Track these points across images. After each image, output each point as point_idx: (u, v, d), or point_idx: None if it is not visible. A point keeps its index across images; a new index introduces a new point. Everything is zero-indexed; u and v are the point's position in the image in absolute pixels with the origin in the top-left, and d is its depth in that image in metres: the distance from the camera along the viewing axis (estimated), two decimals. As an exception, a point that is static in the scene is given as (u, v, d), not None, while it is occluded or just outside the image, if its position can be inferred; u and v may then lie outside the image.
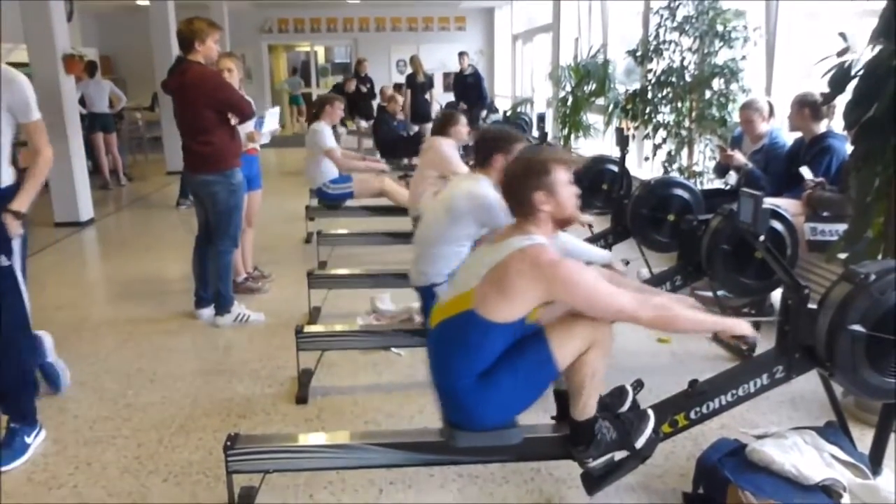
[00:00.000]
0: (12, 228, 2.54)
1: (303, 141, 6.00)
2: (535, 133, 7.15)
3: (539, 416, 2.61)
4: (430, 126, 10.32)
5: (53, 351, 3.12)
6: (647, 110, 5.56)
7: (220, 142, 3.78)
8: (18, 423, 2.66)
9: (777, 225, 3.19)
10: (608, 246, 4.21)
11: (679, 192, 3.96)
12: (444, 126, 4.57)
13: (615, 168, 4.83)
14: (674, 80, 5.29)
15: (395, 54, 14.68)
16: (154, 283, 4.87)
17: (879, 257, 2.58)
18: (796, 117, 3.81)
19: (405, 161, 8.43)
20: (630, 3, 6.98)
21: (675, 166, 5.41)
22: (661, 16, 5.32)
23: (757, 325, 3.37)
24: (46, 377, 3.09)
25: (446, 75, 13.72)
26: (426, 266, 3.11)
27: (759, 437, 2.18)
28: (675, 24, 5.23)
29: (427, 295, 3.13)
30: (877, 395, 2.11)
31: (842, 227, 3.18)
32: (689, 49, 5.21)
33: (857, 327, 1.98)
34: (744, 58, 4.93)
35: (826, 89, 2.67)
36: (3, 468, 2.55)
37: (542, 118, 6.72)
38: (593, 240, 4.12)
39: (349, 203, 5.82)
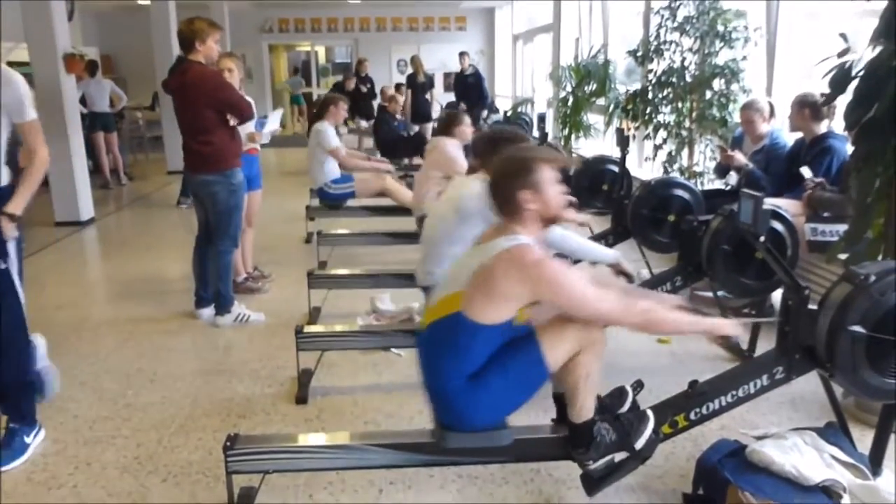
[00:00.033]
0: (7, 231, 2.52)
1: (303, 141, 6.00)
2: (536, 133, 7.14)
3: (539, 417, 2.61)
4: (430, 126, 10.34)
5: (46, 356, 2.99)
6: (648, 110, 5.55)
7: (221, 142, 3.77)
8: (18, 423, 2.65)
9: (777, 225, 3.19)
10: (609, 246, 4.21)
11: (679, 192, 3.95)
12: (448, 126, 4.59)
13: (616, 168, 4.83)
14: (674, 80, 5.28)
15: (396, 54, 14.68)
16: (154, 283, 4.87)
17: (880, 258, 2.58)
18: (797, 118, 3.81)
19: (405, 161, 8.43)
20: (631, 4, 6.98)
21: (675, 167, 5.41)
22: (662, 16, 5.31)
23: (757, 326, 3.39)
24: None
25: (447, 75, 13.72)
26: (433, 266, 3.11)
27: (759, 438, 2.17)
28: (675, 25, 5.22)
29: None
30: (877, 396, 2.12)
31: (842, 227, 3.18)
32: (690, 49, 5.20)
33: (857, 328, 1.99)
34: (744, 58, 4.92)
35: (826, 90, 2.67)
36: (3, 468, 2.55)
37: (542, 118, 6.72)
38: (593, 240, 4.11)
39: (349, 203, 5.82)
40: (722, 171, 4.41)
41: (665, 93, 5.40)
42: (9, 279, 2.55)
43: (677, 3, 5.20)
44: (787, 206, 3.42)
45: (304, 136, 11.09)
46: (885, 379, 2.03)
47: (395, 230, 5.03)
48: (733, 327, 2.08)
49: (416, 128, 10.13)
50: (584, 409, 2.06)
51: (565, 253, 3.44)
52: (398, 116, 9.35)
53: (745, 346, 3.42)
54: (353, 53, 15.03)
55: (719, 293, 3.58)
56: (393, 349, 3.51)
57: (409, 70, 10.57)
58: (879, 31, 2.48)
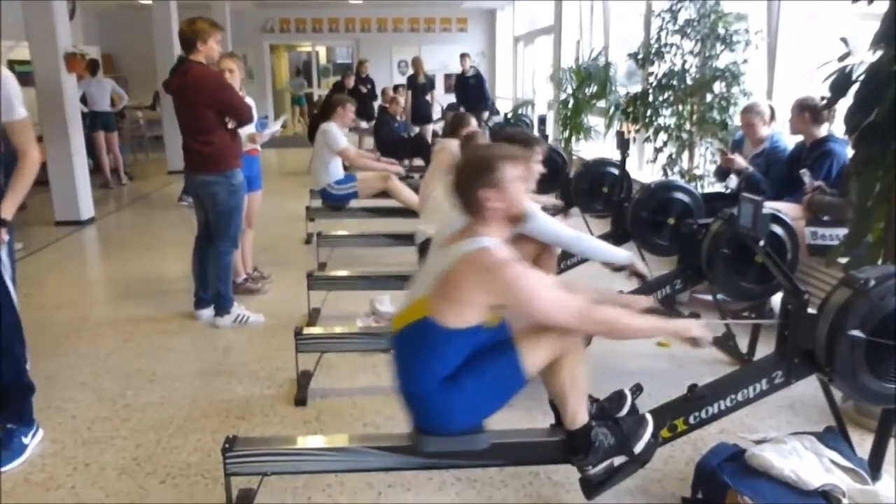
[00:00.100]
0: None
1: (304, 141, 5.99)
2: (536, 135, 7.14)
3: (539, 419, 2.62)
4: (430, 128, 10.35)
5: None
6: (648, 113, 5.55)
7: (221, 142, 3.77)
8: (16, 424, 2.65)
9: (777, 229, 3.19)
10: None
11: (679, 195, 3.95)
12: (455, 128, 4.64)
13: (616, 171, 4.83)
14: (675, 83, 5.28)
15: (397, 55, 14.69)
16: (154, 283, 4.87)
17: (879, 262, 2.58)
18: (797, 121, 3.81)
19: (405, 162, 8.43)
20: (631, 6, 6.98)
21: (675, 170, 5.41)
22: (663, 19, 5.32)
23: (757, 330, 3.39)
24: None
25: (447, 76, 13.72)
26: None
27: (759, 442, 2.17)
28: (676, 27, 5.22)
29: None
30: (876, 401, 2.12)
31: (842, 231, 3.18)
32: (691, 52, 5.21)
33: (856, 332, 1.98)
34: (745, 61, 4.92)
35: (827, 93, 2.66)
36: (2, 469, 2.54)
37: (542, 120, 6.72)
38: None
39: (350, 203, 5.80)
40: (722, 174, 4.41)
41: (666, 95, 5.40)
42: (3, 284, 2.53)
43: (678, 5, 5.20)
44: (787, 209, 3.42)
45: (304, 136, 11.15)
46: (884, 383, 2.03)
47: (395, 231, 5.03)
48: (700, 329, 2.06)
49: (417, 129, 10.13)
50: (577, 416, 2.06)
51: (577, 253, 3.45)
52: (398, 118, 9.35)
53: (716, 340, 3.43)
54: (353, 54, 15.03)
55: (719, 297, 3.58)
56: (392, 351, 3.50)
57: (410, 71, 10.56)
58: (880, 35, 2.48)
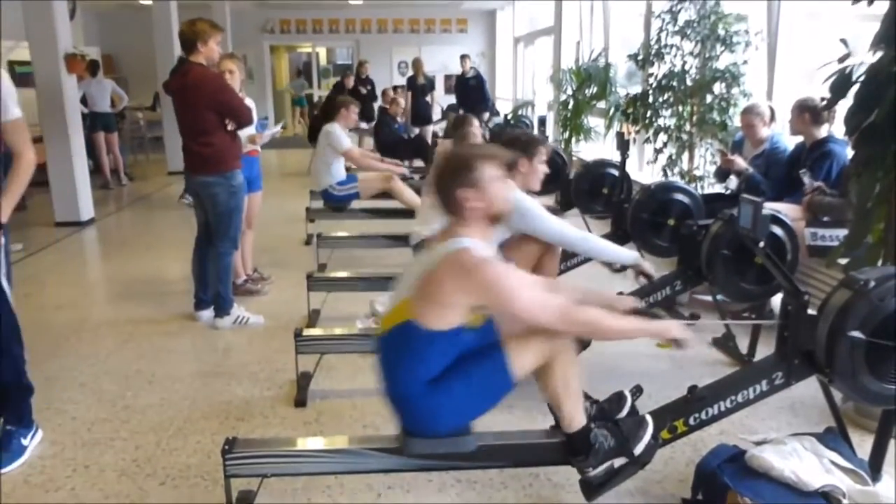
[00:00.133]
0: None
1: (303, 142, 6.00)
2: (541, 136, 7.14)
3: (539, 420, 2.62)
4: (430, 129, 10.34)
5: None
6: (648, 114, 5.55)
7: (221, 143, 3.77)
8: (15, 426, 2.65)
9: (777, 230, 3.19)
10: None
11: (679, 196, 3.95)
12: (458, 130, 4.64)
13: (616, 172, 4.83)
14: (675, 84, 5.28)
15: (397, 56, 14.68)
16: (154, 284, 4.87)
17: (879, 263, 2.58)
18: (797, 122, 3.81)
19: (406, 163, 8.42)
20: (632, 7, 6.98)
21: (675, 170, 5.41)
22: (663, 20, 5.31)
23: (757, 331, 3.39)
24: None
25: (447, 77, 13.72)
26: None
27: (759, 443, 2.17)
28: (676, 28, 5.22)
29: None
30: (876, 401, 2.12)
31: (842, 232, 3.18)
32: (691, 53, 5.20)
33: (856, 333, 1.98)
34: (745, 62, 4.92)
35: (827, 94, 2.66)
36: (1, 471, 2.54)
37: (542, 121, 6.73)
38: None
39: (351, 205, 5.80)
40: (722, 175, 4.41)
41: (665, 96, 5.40)
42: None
43: (678, 6, 5.20)
44: (787, 210, 3.42)
45: (305, 137, 11.15)
46: (884, 384, 2.03)
47: (395, 233, 5.02)
48: (681, 331, 2.06)
49: (417, 130, 10.13)
50: (574, 419, 2.05)
51: (583, 254, 3.45)
52: (399, 119, 9.35)
53: (717, 341, 3.43)
54: (354, 55, 15.03)
55: (719, 297, 3.58)
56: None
57: (410, 72, 10.56)
58: (880, 36, 2.48)
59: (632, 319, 2.13)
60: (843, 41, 2.64)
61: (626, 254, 3.22)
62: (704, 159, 5.29)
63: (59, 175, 6.64)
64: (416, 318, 1.91)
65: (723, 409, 2.21)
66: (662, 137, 5.48)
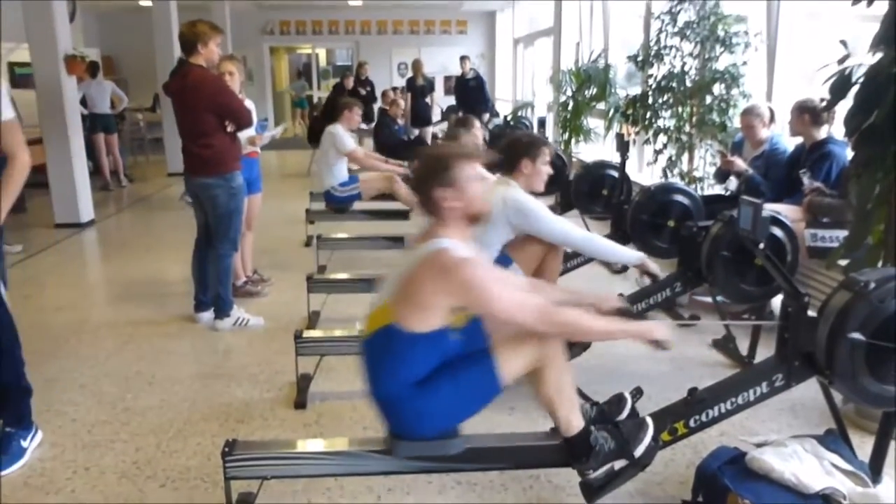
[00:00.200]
0: None
1: (303, 144, 5.99)
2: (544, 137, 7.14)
3: (539, 422, 2.61)
4: (430, 130, 10.34)
5: None
6: (648, 115, 5.55)
7: (221, 145, 3.77)
8: (14, 427, 2.65)
9: (777, 231, 3.19)
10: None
11: (679, 197, 3.95)
12: (458, 130, 4.66)
13: (615, 173, 4.84)
14: (674, 85, 5.29)
15: (397, 57, 14.69)
16: (154, 286, 4.87)
17: (880, 264, 2.58)
18: (796, 123, 3.81)
19: (406, 164, 8.42)
20: (631, 8, 6.98)
21: (675, 172, 5.41)
22: (663, 21, 5.32)
23: (757, 333, 3.39)
24: None
25: (447, 79, 13.73)
26: None
27: (759, 445, 2.17)
28: (676, 30, 5.23)
29: None
30: (877, 403, 2.11)
31: (842, 233, 3.18)
32: (690, 54, 5.21)
33: (856, 335, 1.98)
34: (745, 63, 4.92)
35: (827, 95, 2.66)
36: (1, 473, 2.54)
37: (542, 122, 6.74)
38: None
39: (352, 206, 5.79)
40: (722, 176, 4.42)
41: (665, 98, 5.40)
42: None
43: (678, 7, 5.20)
44: (787, 211, 3.42)
45: (304, 138, 11.15)
46: (884, 386, 2.03)
47: (395, 234, 5.02)
48: (662, 331, 2.05)
49: (416, 131, 10.13)
50: (571, 423, 2.04)
51: (587, 254, 3.45)
52: (399, 121, 9.35)
53: (717, 343, 3.42)
54: (353, 56, 15.04)
55: (719, 299, 3.58)
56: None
57: (410, 73, 10.57)
58: (880, 37, 2.48)
59: (612, 320, 2.13)
60: (843, 42, 2.64)
61: (631, 253, 3.22)
62: (704, 160, 5.29)
63: (59, 176, 6.64)
64: (398, 320, 1.89)
65: (723, 410, 2.21)
66: (662, 139, 5.48)
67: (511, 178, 3.09)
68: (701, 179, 5.24)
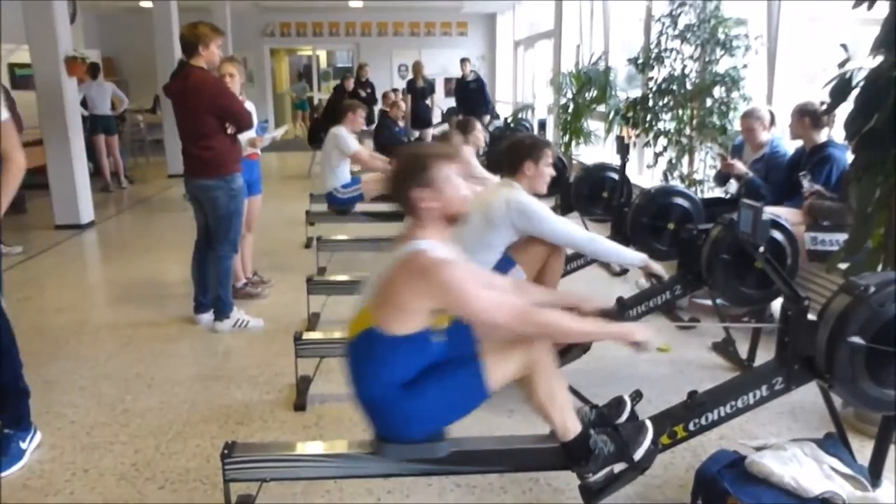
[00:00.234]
0: None
1: (304, 145, 6.00)
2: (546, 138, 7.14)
3: (539, 425, 2.61)
4: (430, 132, 10.34)
5: None
6: (648, 118, 5.56)
7: (221, 146, 3.77)
8: (13, 429, 2.65)
9: (777, 235, 3.18)
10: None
11: (679, 200, 3.95)
12: (462, 133, 4.72)
13: (616, 176, 4.84)
14: (675, 87, 5.29)
15: (397, 59, 14.70)
16: (154, 287, 4.87)
17: (879, 268, 2.58)
18: (797, 126, 3.81)
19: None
20: (632, 10, 6.99)
21: (675, 174, 5.41)
22: (663, 23, 5.32)
23: (757, 336, 3.39)
24: None
25: (448, 80, 13.74)
26: None
27: (759, 449, 2.17)
28: (676, 32, 5.23)
29: None
30: (876, 407, 2.11)
31: (842, 236, 3.18)
32: (691, 57, 5.21)
33: (856, 339, 1.98)
34: (745, 66, 4.93)
35: (827, 98, 2.67)
36: (1, 474, 2.54)
37: (543, 125, 6.74)
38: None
39: (355, 207, 5.79)
40: (722, 179, 4.42)
41: (665, 100, 5.41)
42: None
43: (678, 10, 5.21)
44: (787, 214, 3.42)
45: (305, 140, 11.15)
46: (884, 390, 2.03)
47: (395, 236, 5.01)
48: (643, 333, 2.04)
49: (417, 133, 10.13)
50: (567, 429, 2.04)
51: (591, 255, 3.46)
52: (399, 122, 9.35)
53: (716, 346, 3.42)
54: (354, 58, 15.05)
55: (718, 302, 3.58)
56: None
57: (410, 75, 10.58)
58: (880, 41, 2.48)
59: (593, 321, 2.13)
60: (844, 46, 2.64)
61: (634, 255, 3.22)
62: (704, 163, 5.29)
63: (59, 178, 6.64)
64: (379, 324, 1.88)
65: (723, 414, 2.21)
66: (662, 141, 5.48)
67: (514, 179, 3.10)
68: (701, 182, 5.25)
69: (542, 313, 1.94)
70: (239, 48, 12.28)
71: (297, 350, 3.11)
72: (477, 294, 1.86)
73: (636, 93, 6.19)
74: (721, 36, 4.99)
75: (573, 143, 7.77)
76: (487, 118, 10.21)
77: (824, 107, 2.80)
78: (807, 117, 3.72)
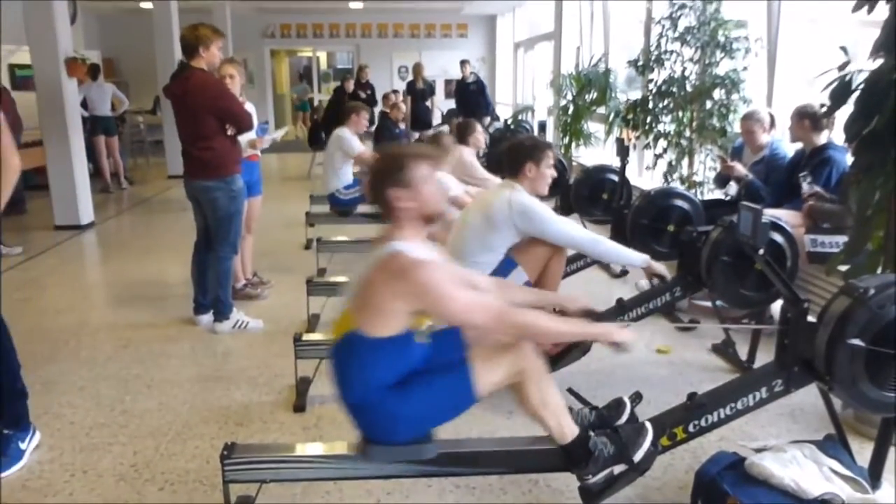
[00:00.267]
0: None
1: (304, 146, 6.00)
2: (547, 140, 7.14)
3: (538, 427, 2.60)
4: (430, 133, 10.34)
5: None
6: (648, 120, 5.56)
7: (221, 148, 3.78)
8: (12, 429, 2.64)
9: (777, 236, 3.19)
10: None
11: (679, 202, 3.95)
12: (462, 135, 4.77)
13: (615, 178, 4.84)
14: (675, 90, 5.30)
15: (397, 60, 14.71)
16: (154, 288, 4.86)
17: (879, 270, 2.58)
18: (797, 128, 3.81)
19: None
20: (632, 12, 7.00)
21: (675, 176, 5.41)
22: (663, 26, 5.33)
23: (756, 337, 3.39)
24: None
25: (448, 82, 13.75)
26: None
27: (758, 451, 2.16)
28: (676, 35, 5.24)
29: None
30: (876, 409, 2.11)
31: (842, 238, 3.18)
32: (691, 59, 5.22)
33: (856, 341, 1.98)
34: (745, 68, 4.93)
35: (827, 101, 2.67)
36: (0, 475, 2.53)
37: (542, 126, 6.74)
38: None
39: (357, 209, 5.79)
40: (722, 181, 4.42)
41: (665, 102, 5.41)
42: None
43: (678, 12, 5.21)
44: (787, 216, 3.42)
45: (305, 141, 11.15)
46: (883, 392, 2.03)
47: (373, 237, 5.00)
48: (623, 334, 2.04)
49: (417, 135, 10.13)
50: (564, 433, 2.03)
51: (593, 256, 3.47)
52: (400, 124, 9.36)
53: (716, 347, 3.42)
54: (354, 59, 15.06)
55: (718, 304, 3.58)
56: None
57: (410, 77, 10.59)
58: (880, 43, 2.49)
59: (573, 322, 2.13)
60: (843, 48, 2.65)
61: (636, 256, 3.22)
62: (704, 165, 5.30)
63: (59, 178, 6.64)
64: (360, 326, 1.87)
65: (722, 416, 2.21)
66: (662, 143, 5.49)
67: (515, 181, 3.10)
68: (701, 184, 5.25)
69: (520, 313, 1.94)
70: (239, 49, 12.29)
71: (296, 351, 3.11)
72: (454, 295, 1.85)
73: (636, 95, 6.20)
74: (721, 38, 5.00)
75: (573, 144, 7.77)
76: (487, 120, 10.22)
77: (824, 109, 2.80)
78: (806, 119, 3.72)
